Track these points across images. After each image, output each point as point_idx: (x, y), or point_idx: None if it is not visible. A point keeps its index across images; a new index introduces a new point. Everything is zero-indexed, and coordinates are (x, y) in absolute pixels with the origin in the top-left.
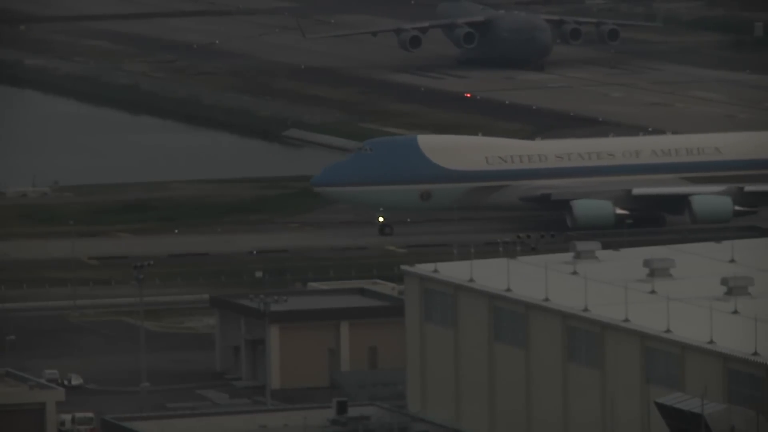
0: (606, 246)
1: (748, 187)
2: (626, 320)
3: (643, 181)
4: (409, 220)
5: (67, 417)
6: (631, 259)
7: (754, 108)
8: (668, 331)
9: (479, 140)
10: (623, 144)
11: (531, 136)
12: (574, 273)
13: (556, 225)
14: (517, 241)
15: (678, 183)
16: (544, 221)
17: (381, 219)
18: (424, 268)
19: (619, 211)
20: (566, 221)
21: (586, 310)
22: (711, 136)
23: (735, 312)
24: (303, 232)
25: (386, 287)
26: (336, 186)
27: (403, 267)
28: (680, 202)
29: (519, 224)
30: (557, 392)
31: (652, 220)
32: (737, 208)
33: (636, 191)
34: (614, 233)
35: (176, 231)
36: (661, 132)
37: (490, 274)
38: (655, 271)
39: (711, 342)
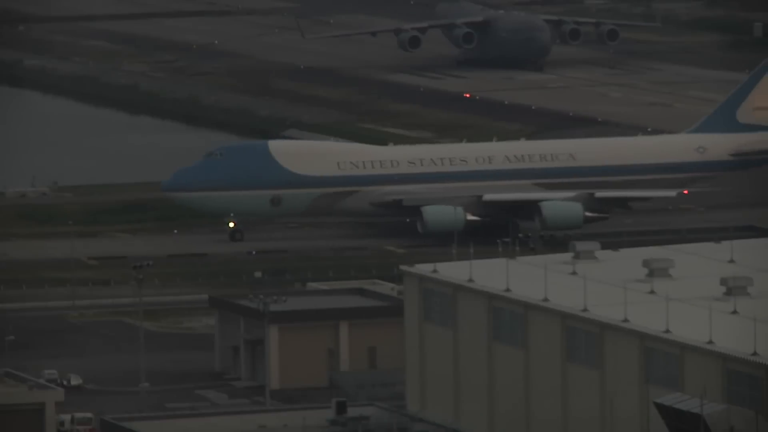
0: (605, 246)
1: (599, 193)
2: (625, 320)
3: (495, 187)
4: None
5: (67, 417)
6: (631, 259)
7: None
8: (667, 331)
9: (331, 145)
10: (476, 150)
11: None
12: (574, 273)
13: (407, 231)
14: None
15: (529, 189)
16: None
17: (231, 224)
18: (424, 268)
19: (470, 216)
20: (417, 227)
21: (585, 310)
22: (565, 142)
23: (734, 312)
24: (302, 232)
25: (385, 287)
26: (186, 191)
27: (403, 267)
28: (531, 208)
29: (370, 230)
30: (556, 392)
31: (503, 226)
32: (588, 214)
33: (487, 197)
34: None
35: (176, 231)
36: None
37: (490, 274)
38: (655, 271)
39: (710, 342)
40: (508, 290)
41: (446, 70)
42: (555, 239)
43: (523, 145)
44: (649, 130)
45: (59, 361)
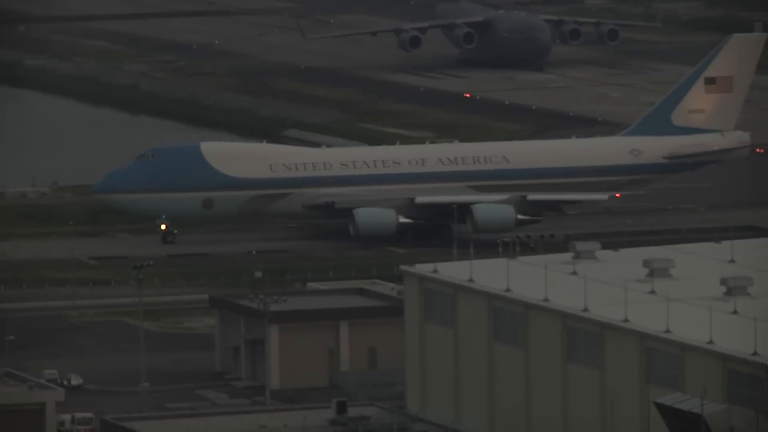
0: (606, 246)
1: (531, 196)
2: (626, 320)
3: (428, 189)
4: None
5: (67, 417)
6: (631, 259)
7: (754, 108)
8: (668, 331)
9: (263, 147)
10: (409, 152)
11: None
12: (574, 273)
13: (340, 233)
14: (516, 242)
15: (462, 192)
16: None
17: (163, 226)
18: (424, 268)
19: (403, 219)
20: (349, 229)
21: (585, 310)
22: (498, 144)
23: (734, 312)
24: (302, 232)
25: (386, 287)
26: (117, 193)
27: (403, 267)
28: (463, 211)
29: (303, 233)
30: (557, 392)
31: (436, 228)
32: (520, 216)
33: (419, 200)
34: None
35: (176, 231)
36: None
37: (490, 274)
38: (655, 271)
39: (710, 342)
40: (508, 290)
41: (446, 70)
42: (555, 239)
43: (456, 147)
44: None
45: (59, 361)
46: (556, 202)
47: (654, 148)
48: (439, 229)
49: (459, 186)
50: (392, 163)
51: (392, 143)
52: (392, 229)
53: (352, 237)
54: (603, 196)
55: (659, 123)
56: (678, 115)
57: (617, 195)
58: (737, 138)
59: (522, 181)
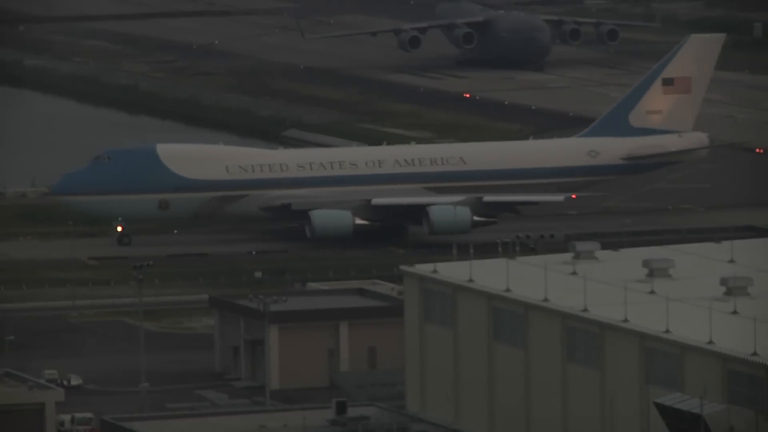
0: (605, 246)
1: (487, 197)
2: (625, 320)
3: (385, 191)
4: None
5: (67, 417)
6: (631, 259)
7: (754, 108)
8: (668, 331)
9: (220, 149)
10: (366, 153)
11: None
12: (574, 273)
13: (296, 235)
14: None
15: (419, 193)
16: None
17: (119, 228)
18: (424, 269)
19: (359, 221)
20: (306, 231)
21: (585, 310)
22: (455, 145)
23: (734, 312)
24: (302, 232)
25: (386, 287)
26: (74, 195)
27: (403, 267)
28: (419, 212)
29: (260, 234)
30: (557, 392)
31: (393, 230)
32: (476, 218)
33: (375, 201)
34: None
35: (176, 231)
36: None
37: (490, 274)
38: (655, 271)
39: (710, 342)
40: (508, 290)
41: (446, 70)
42: (555, 239)
43: (414, 149)
44: None
45: (59, 361)
46: (511, 203)
47: (611, 149)
48: (396, 230)
49: (416, 187)
50: (349, 165)
51: (408, 143)
52: (349, 230)
53: (308, 239)
54: (558, 198)
55: (617, 124)
56: (636, 116)
57: (573, 196)
58: (696, 139)
59: (479, 183)
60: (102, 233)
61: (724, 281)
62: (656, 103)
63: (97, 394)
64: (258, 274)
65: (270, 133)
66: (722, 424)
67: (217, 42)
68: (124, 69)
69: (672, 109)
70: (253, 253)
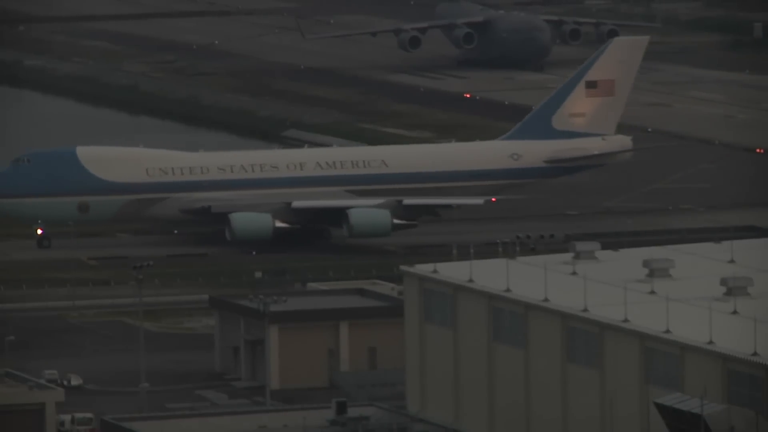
0: (605, 246)
1: (407, 200)
2: (626, 320)
3: (306, 194)
4: (176, 231)
5: (67, 417)
6: (631, 259)
7: (754, 108)
8: (668, 331)
9: (140, 152)
10: (287, 156)
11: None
12: (574, 273)
13: (217, 238)
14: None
15: (339, 196)
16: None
17: (39, 231)
18: (424, 269)
19: (279, 224)
20: (225, 234)
21: (585, 310)
22: (377, 148)
23: (734, 312)
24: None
25: (386, 287)
26: None
27: (403, 267)
28: (340, 215)
29: (180, 237)
30: (557, 393)
31: (315, 232)
32: (396, 221)
33: (295, 204)
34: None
35: (176, 231)
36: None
37: (490, 274)
38: (655, 271)
39: (710, 342)
40: (508, 290)
41: (446, 70)
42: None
43: (335, 151)
44: (649, 130)
45: (59, 361)
46: (431, 206)
47: (534, 152)
48: (317, 233)
49: (338, 190)
50: (270, 168)
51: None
52: (268, 233)
53: (228, 242)
54: (478, 201)
55: (540, 127)
56: (559, 119)
57: (493, 200)
58: (619, 142)
59: (400, 186)
60: (102, 233)
61: (724, 281)
62: (579, 106)
63: (97, 394)
64: (258, 274)
65: (270, 133)
66: (722, 424)
67: (217, 42)
68: (124, 69)
69: (595, 112)
70: (254, 253)
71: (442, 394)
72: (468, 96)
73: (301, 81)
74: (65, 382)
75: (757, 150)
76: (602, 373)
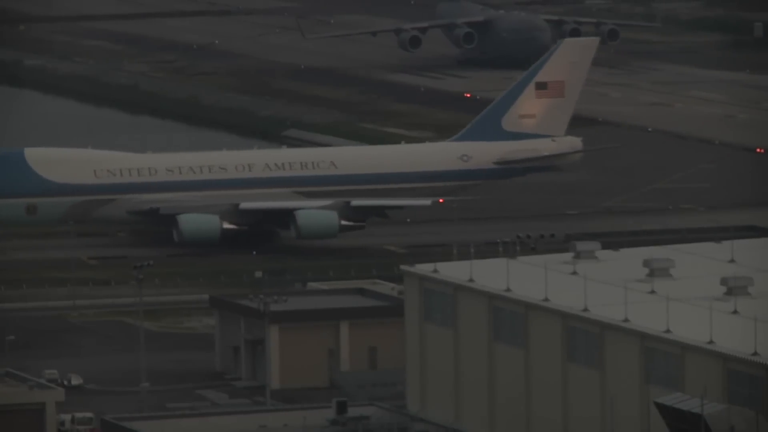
0: (606, 246)
1: (355, 202)
2: (626, 320)
3: (254, 195)
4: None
5: (67, 417)
6: (631, 259)
7: (754, 108)
8: (668, 331)
9: (88, 153)
10: (235, 158)
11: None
12: (574, 273)
13: (165, 239)
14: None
15: (287, 197)
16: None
17: None
18: (424, 268)
19: (227, 225)
20: (173, 235)
21: (585, 310)
22: (326, 150)
23: (735, 312)
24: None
25: (386, 287)
26: None
27: (403, 267)
28: (287, 217)
29: (127, 239)
30: (557, 392)
31: (264, 234)
32: (344, 222)
33: (243, 206)
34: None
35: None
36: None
37: (490, 274)
38: (655, 271)
39: (711, 342)
40: (508, 290)
41: (446, 70)
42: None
43: (284, 153)
44: (649, 130)
45: (59, 361)
46: (379, 207)
47: (483, 153)
48: (264, 235)
49: (286, 192)
50: (218, 169)
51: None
52: (216, 235)
53: (176, 243)
54: (426, 202)
55: (489, 128)
56: (509, 120)
57: (441, 201)
58: (568, 143)
59: (349, 187)
60: (102, 233)
61: (724, 281)
62: (529, 107)
63: (97, 394)
64: (258, 274)
65: (270, 133)
66: (723, 423)
67: (217, 42)
68: (124, 69)
69: (545, 114)
70: (254, 253)
71: (442, 394)
72: (468, 96)
73: (301, 81)
74: (65, 382)
75: (757, 150)
76: (602, 372)
